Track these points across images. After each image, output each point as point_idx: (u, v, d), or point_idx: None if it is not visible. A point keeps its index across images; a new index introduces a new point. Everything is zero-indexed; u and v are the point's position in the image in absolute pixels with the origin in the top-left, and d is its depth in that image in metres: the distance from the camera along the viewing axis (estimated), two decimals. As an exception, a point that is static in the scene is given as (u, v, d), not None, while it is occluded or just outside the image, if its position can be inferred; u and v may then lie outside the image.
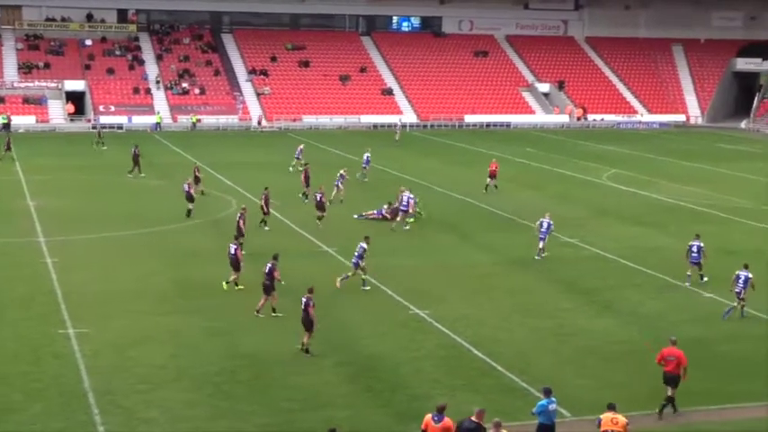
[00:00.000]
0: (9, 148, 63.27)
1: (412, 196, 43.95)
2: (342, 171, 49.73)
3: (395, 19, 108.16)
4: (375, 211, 45.15)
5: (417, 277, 34.30)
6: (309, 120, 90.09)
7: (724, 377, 24.95)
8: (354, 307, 30.48)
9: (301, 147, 63.31)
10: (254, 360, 25.69)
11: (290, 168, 59.78)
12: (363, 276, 32.69)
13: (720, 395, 23.75)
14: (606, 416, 19.19)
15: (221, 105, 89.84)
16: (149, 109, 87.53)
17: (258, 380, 24.28)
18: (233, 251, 32.25)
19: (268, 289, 29.23)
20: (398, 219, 43.28)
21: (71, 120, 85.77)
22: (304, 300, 26.13)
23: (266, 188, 42.60)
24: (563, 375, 24.83)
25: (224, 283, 32.35)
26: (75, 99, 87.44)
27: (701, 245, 34.59)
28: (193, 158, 65.10)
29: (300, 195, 48.82)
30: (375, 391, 23.76)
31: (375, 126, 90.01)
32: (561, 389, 21.86)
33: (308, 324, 26.08)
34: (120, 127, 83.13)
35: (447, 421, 18.38)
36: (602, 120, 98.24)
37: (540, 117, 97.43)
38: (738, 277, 30.13)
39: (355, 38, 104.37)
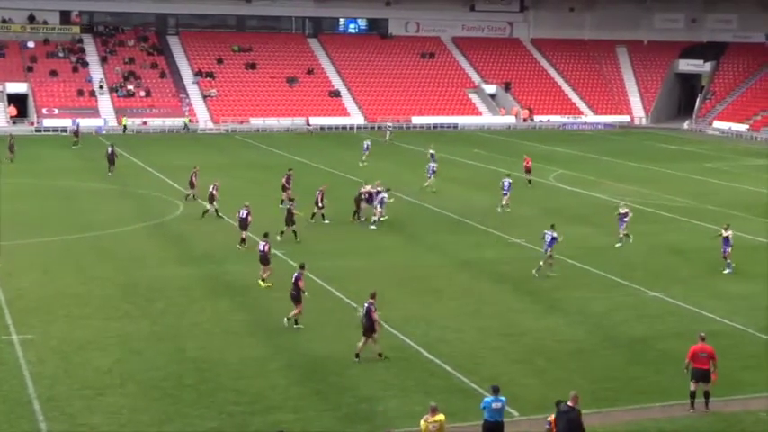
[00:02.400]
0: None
1: (386, 195, 44.44)
2: (432, 164, 54.53)
3: (341, 21, 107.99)
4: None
5: (365, 278, 34.22)
6: (257, 122, 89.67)
7: (668, 374, 25.16)
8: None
9: (368, 142, 65.83)
10: (201, 364, 25.47)
11: (361, 164, 63.32)
12: (550, 261, 35.12)
13: (663, 392, 23.99)
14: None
15: (167, 108, 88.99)
16: (94, 111, 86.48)
17: (205, 384, 24.09)
18: (262, 248, 32.81)
19: (295, 298, 28.70)
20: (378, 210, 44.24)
21: (13, 122, 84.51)
22: (366, 305, 25.86)
23: (292, 200, 42.01)
24: (511, 375, 24.97)
25: (260, 281, 32.88)
26: (18, 101, 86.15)
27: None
28: (139, 161, 64.50)
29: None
30: (323, 394, 23.69)
31: (322, 128, 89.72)
32: (509, 388, 21.96)
33: (368, 329, 25.76)
34: (64, 130, 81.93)
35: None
36: (548, 121, 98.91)
37: (486, 118, 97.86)
38: None
39: (302, 40, 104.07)
